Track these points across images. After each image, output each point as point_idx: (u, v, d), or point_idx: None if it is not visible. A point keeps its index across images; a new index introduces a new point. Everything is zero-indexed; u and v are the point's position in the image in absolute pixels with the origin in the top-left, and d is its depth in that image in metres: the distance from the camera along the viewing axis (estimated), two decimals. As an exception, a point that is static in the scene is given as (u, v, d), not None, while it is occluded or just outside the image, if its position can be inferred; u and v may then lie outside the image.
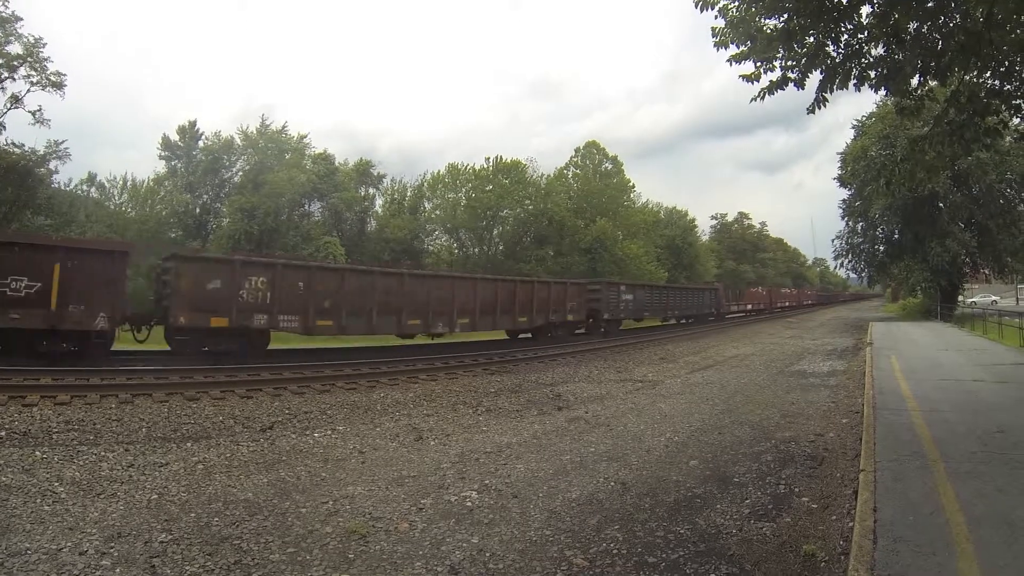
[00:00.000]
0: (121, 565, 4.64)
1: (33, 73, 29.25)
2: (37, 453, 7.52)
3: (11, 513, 5.58)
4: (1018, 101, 9.25)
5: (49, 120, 30.11)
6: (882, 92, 9.17)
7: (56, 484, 6.48)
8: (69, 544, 4.95)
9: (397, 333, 18.45)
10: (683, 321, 38.66)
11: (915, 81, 8.82)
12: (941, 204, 36.76)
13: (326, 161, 46.05)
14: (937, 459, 6.75)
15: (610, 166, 59.17)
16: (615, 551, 5.10)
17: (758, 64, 8.49)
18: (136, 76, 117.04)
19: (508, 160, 48.68)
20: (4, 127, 29.84)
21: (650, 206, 67.08)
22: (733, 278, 78.48)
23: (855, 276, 51.19)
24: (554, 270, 44.64)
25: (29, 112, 29.82)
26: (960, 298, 42.64)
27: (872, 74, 8.48)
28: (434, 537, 5.36)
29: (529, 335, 24.77)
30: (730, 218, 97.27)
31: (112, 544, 5.00)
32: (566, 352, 21.00)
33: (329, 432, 9.43)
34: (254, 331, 15.08)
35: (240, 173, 44.63)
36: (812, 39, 8.15)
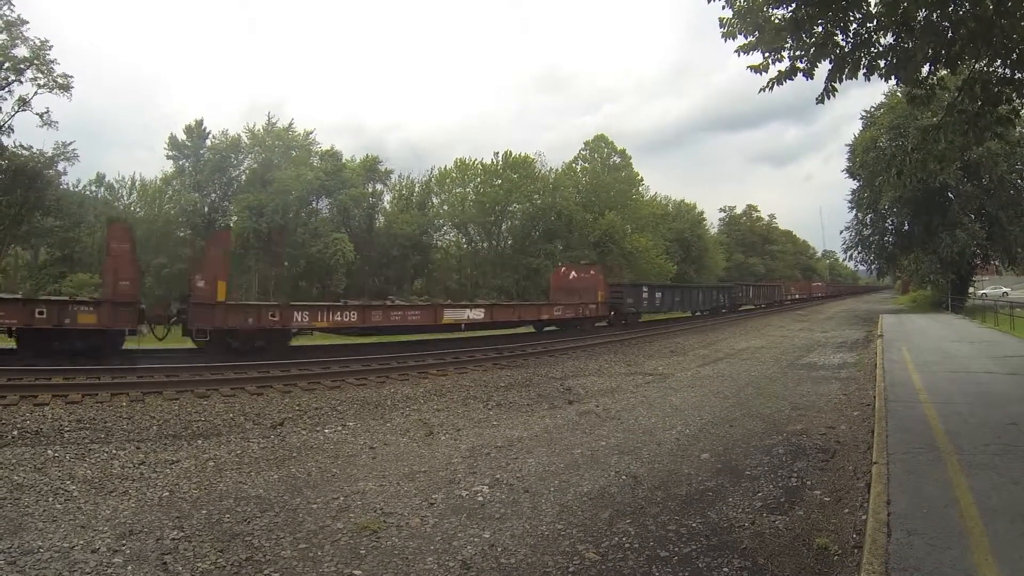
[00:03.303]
0: (133, 563, 4.66)
1: (40, 75, 29.44)
2: (49, 452, 7.56)
3: (24, 511, 5.61)
4: None
5: (57, 122, 30.32)
6: (892, 81, 9.09)
7: (68, 482, 6.51)
8: (81, 542, 4.97)
9: None
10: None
11: (925, 70, 8.74)
12: (951, 195, 36.53)
13: (333, 158, 46.06)
14: (950, 451, 6.69)
15: (618, 159, 59.11)
16: (627, 545, 5.09)
17: (766, 55, 8.42)
18: (144, 75, 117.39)
19: (517, 155, 48.67)
20: (12, 130, 30.05)
21: (659, 199, 67.02)
22: (742, 271, 78.21)
23: (864, 268, 51.00)
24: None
25: (37, 114, 30.00)
26: (971, 290, 42.35)
27: (882, 63, 8.39)
28: (446, 532, 5.36)
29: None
30: (739, 211, 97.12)
31: (124, 541, 5.01)
32: (576, 346, 20.98)
33: (339, 428, 9.44)
34: None
35: (247, 171, 44.75)
36: (820, 28, 8.06)
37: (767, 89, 8.65)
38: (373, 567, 4.70)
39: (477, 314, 21.33)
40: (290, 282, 41.52)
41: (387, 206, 49.53)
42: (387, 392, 12.22)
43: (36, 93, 29.76)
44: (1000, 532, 4.53)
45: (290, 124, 47.49)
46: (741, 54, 8.42)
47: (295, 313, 16.48)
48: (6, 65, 28.72)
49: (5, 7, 27.87)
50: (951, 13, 7.95)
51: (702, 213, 74.85)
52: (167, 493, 6.30)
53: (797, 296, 69.98)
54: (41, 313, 13.32)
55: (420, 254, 45.32)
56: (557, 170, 52.89)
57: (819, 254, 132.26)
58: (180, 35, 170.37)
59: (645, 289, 31.27)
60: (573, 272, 29.05)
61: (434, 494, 6.37)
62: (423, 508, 5.96)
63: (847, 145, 42.88)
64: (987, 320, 26.98)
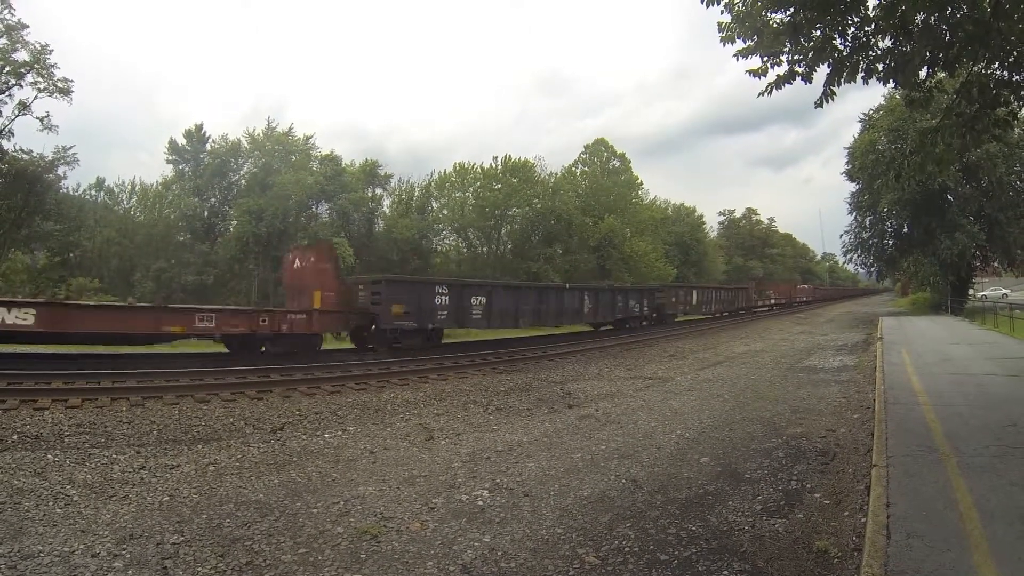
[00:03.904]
0: (133, 567, 4.66)
1: (40, 80, 29.47)
2: (49, 456, 7.56)
3: (24, 516, 5.61)
4: None
5: (57, 126, 30.35)
6: (890, 85, 9.12)
7: (68, 487, 6.51)
8: (81, 546, 4.97)
9: None
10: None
11: (923, 73, 8.77)
12: (950, 197, 36.55)
13: (333, 162, 46.11)
14: (950, 454, 6.71)
15: (618, 163, 59.29)
16: (627, 549, 5.09)
17: (765, 59, 8.46)
18: (144, 77, 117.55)
19: (516, 159, 48.70)
20: (12, 133, 30.07)
21: (658, 203, 67.12)
22: (741, 274, 78.28)
23: (864, 271, 50.93)
24: (563, 268, 44.62)
25: (37, 118, 30.01)
26: (970, 292, 42.37)
27: (880, 67, 8.43)
28: (446, 536, 5.36)
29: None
30: (738, 214, 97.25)
31: (124, 546, 5.02)
32: (576, 350, 20.97)
33: (340, 432, 9.44)
34: None
35: (247, 176, 44.80)
36: (819, 32, 8.11)
37: (766, 93, 8.70)
38: (373, 571, 4.70)
39: (20, 318, 12.77)
40: (290, 286, 41.44)
41: (387, 210, 49.56)
42: (387, 397, 12.21)
43: (36, 97, 29.82)
44: (999, 534, 4.54)
45: (290, 128, 47.67)
46: (740, 58, 8.46)
47: None
48: (6, 69, 28.77)
49: (6, 11, 27.96)
50: (949, 16, 7.99)
51: (701, 217, 75.13)
52: (167, 498, 6.30)
53: (774, 301, 56.45)
54: None
55: (420, 258, 45.26)
56: (557, 174, 52.98)
57: (819, 257, 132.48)
58: (181, 37, 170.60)
59: (442, 290, 19.11)
60: (298, 259, 19.26)
61: (434, 498, 6.38)
62: (423, 512, 5.97)
63: (846, 148, 42.84)
64: (987, 322, 27.00)
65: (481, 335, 23.57)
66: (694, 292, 37.75)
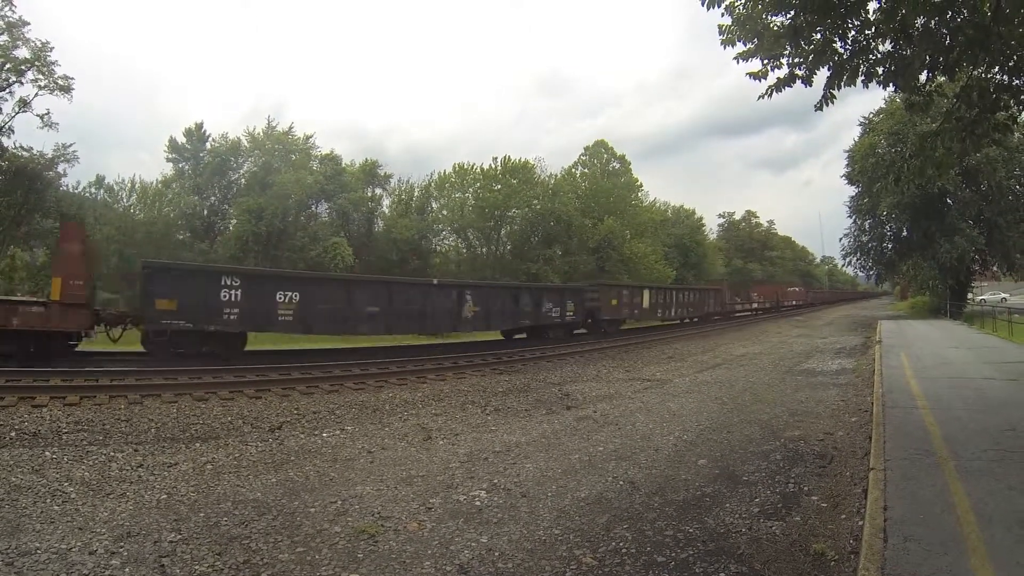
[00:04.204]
0: (131, 565, 4.66)
1: (41, 77, 29.47)
2: (47, 453, 7.56)
3: (21, 513, 5.61)
4: None
5: (57, 123, 30.35)
6: (890, 88, 9.13)
7: (66, 484, 6.50)
8: (79, 544, 4.97)
9: None
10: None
11: (923, 77, 8.77)
12: (950, 201, 36.58)
13: (333, 162, 46.11)
14: (948, 457, 6.71)
15: (618, 165, 59.40)
16: (624, 550, 5.09)
17: (765, 62, 8.48)
18: (145, 77, 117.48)
19: (516, 160, 48.71)
20: (13, 131, 30.06)
21: (658, 205, 67.18)
22: (741, 276, 78.34)
23: (863, 274, 50.91)
24: (562, 269, 44.61)
25: (37, 116, 30.00)
26: (969, 295, 42.40)
27: (880, 70, 8.43)
28: (443, 536, 5.36)
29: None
30: (738, 216, 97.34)
31: (122, 544, 5.01)
32: (574, 352, 20.98)
33: (338, 432, 9.44)
34: None
35: (247, 175, 44.77)
36: (819, 36, 8.11)
37: (766, 96, 8.71)
38: (370, 571, 4.70)
39: None
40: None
41: (386, 210, 49.54)
42: (385, 397, 12.22)
43: (37, 94, 29.83)
44: (997, 538, 4.55)
45: (290, 128, 47.67)
46: (740, 61, 8.48)
47: None
48: (7, 66, 28.76)
49: (6, 8, 27.95)
50: (949, 20, 7.99)
51: (701, 219, 75.17)
52: (165, 496, 6.30)
53: (757, 305, 50.47)
54: None
55: (419, 259, 45.26)
56: (556, 175, 53.00)
57: (818, 260, 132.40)
58: (181, 37, 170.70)
59: (231, 281, 15.12)
60: None
61: (432, 498, 6.37)
62: (421, 512, 5.96)
63: (846, 151, 42.85)
64: (985, 326, 26.99)
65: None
66: (645, 293, 30.90)
